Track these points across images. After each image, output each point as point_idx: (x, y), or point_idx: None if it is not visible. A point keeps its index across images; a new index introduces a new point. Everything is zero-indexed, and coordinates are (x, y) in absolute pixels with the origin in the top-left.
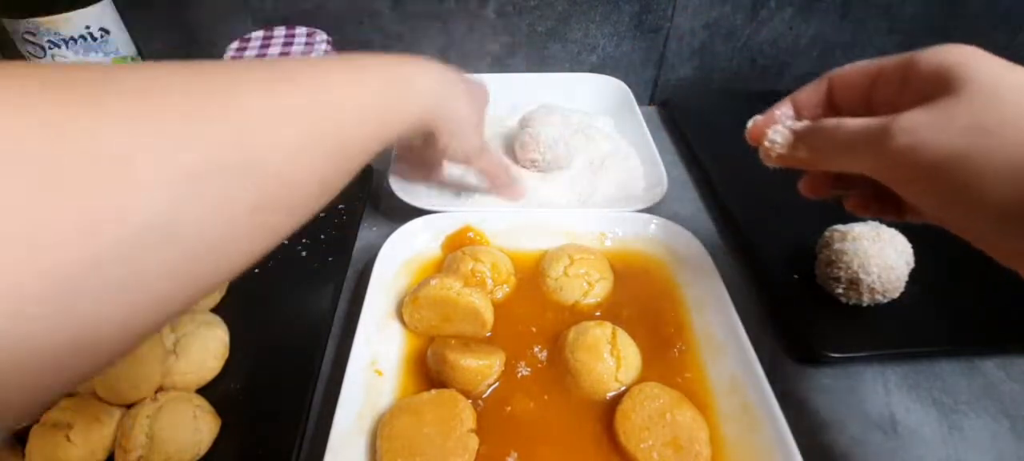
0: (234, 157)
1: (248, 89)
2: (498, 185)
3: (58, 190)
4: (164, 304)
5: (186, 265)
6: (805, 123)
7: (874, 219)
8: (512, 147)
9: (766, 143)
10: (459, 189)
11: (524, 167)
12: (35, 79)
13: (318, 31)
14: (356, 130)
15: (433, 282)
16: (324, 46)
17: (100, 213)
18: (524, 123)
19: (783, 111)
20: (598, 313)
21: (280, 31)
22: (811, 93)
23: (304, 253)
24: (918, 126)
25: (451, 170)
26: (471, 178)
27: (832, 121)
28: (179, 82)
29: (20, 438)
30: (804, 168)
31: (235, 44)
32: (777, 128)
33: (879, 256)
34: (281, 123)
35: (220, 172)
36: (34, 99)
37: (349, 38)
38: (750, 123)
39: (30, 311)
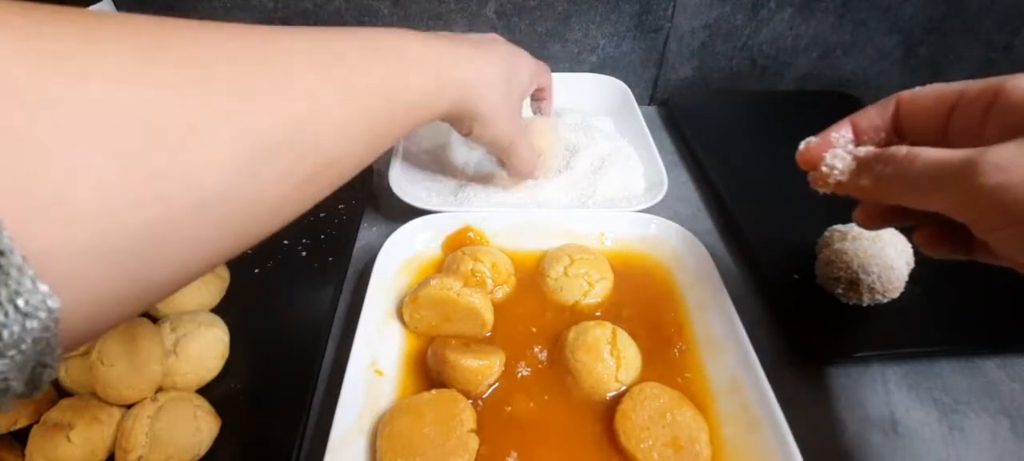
0: (291, 136)
1: (306, 69)
2: (516, 176)
3: (137, 150)
4: (212, 259)
5: (238, 226)
6: (870, 149)
7: (946, 257)
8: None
9: (823, 168)
10: (465, 180)
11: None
12: (130, 41)
13: None
14: (399, 114)
15: (433, 282)
16: None
17: (171, 175)
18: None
19: (841, 134)
20: (598, 313)
21: None
22: (874, 115)
23: (304, 253)
24: (1012, 162)
25: (467, 155)
26: (487, 165)
27: (904, 149)
28: (247, 53)
29: (20, 438)
30: (865, 198)
31: None
32: (837, 152)
33: (879, 256)
34: (334, 105)
35: (277, 150)
36: (134, 64)
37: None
38: (802, 145)
39: (102, 258)
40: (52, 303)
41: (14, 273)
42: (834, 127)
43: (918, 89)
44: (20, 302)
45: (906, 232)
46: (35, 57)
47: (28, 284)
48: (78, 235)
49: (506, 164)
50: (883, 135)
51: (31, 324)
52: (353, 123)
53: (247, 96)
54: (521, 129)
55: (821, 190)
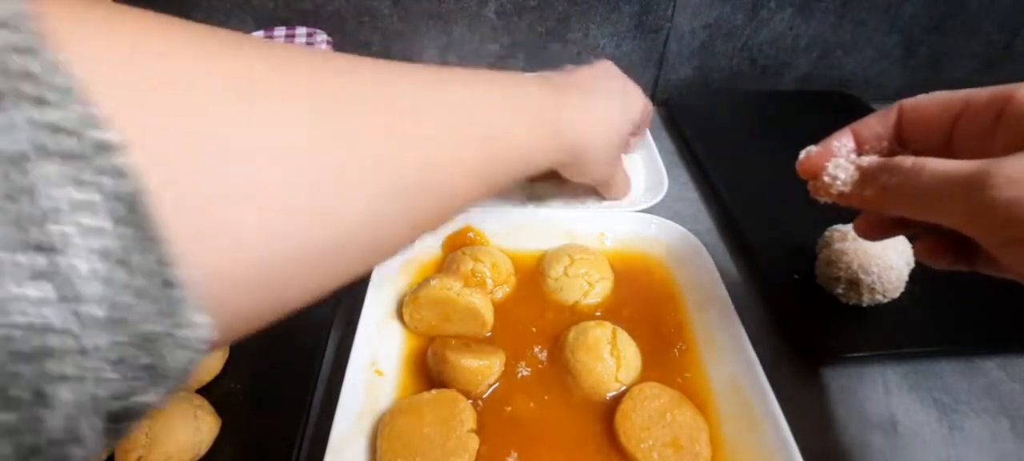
0: (422, 177)
1: (437, 112)
2: (614, 196)
3: (300, 189)
4: (332, 285)
5: (364, 261)
6: (873, 159)
7: (949, 269)
8: None
9: (825, 178)
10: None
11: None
12: (298, 71)
13: (318, 31)
14: (514, 161)
15: (433, 282)
16: (324, 46)
17: (325, 213)
18: None
19: (842, 143)
20: (598, 313)
21: (280, 31)
22: (876, 124)
23: None
24: None
25: None
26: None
27: (910, 160)
28: (392, 93)
29: None
30: (867, 209)
31: None
32: (839, 162)
33: (879, 256)
34: (460, 148)
35: (409, 190)
36: (300, 94)
37: (349, 38)
38: (803, 154)
39: (252, 287)
40: (205, 333)
41: (180, 307)
42: (835, 135)
43: (921, 97)
44: (182, 333)
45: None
46: (229, 80)
47: (191, 316)
48: (237, 265)
49: (601, 192)
50: (885, 144)
51: (186, 355)
52: (473, 167)
53: (392, 137)
54: (620, 163)
55: (822, 200)
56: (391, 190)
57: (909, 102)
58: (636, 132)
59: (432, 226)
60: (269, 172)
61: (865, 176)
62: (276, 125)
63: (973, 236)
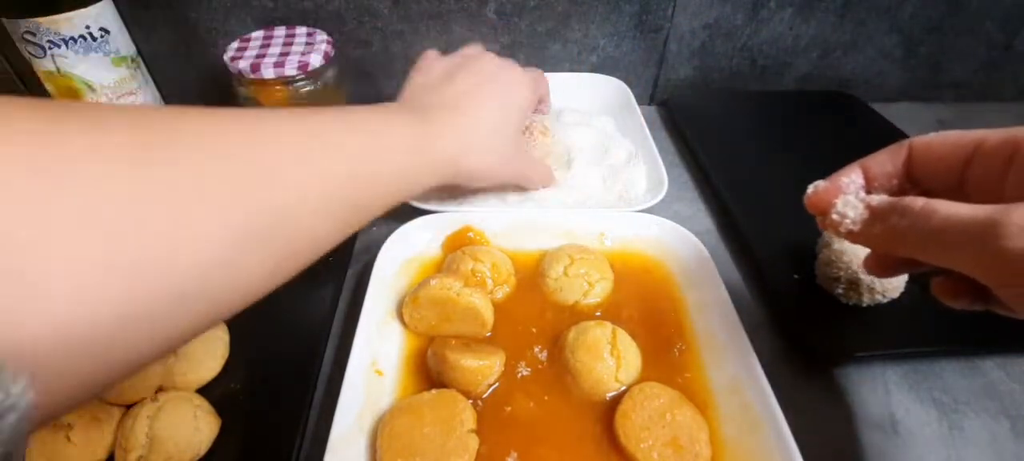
0: (273, 223)
1: (289, 157)
2: (533, 186)
3: (122, 249)
4: (186, 338)
5: (216, 311)
6: (883, 198)
7: (966, 309)
8: None
9: (833, 216)
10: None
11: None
12: (119, 131)
13: (318, 31)
14: (379, 192)
15: (433, 282)
16: (324, 46)
17: (156, 267)
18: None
19: (851, 179)
20: (598, 313)
21: (280, 31)
22: (886, 160)
23: None
24: None
25: None
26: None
27: (920, 202)
28: (231, 146)
29: None
30: (877, 249)
31: (235, 44)
32: (848, 199)
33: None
34: (315, 190)
35: (259, 238)
36: (126, 166)
37: (349, 38)
38: (810, 189)
39: (80, 351)
40: (27, 399)
41: None
42: (844, 171)
43: (933, 136)
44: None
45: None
46: (35, 159)
47: (6, 381)
48: (57, 328)
49: (522, 188)
50: (895, 182)
51: (7, 420)
52: (333, 206)
53: (231, 190)
54: (524, 157)
55: (829, 233)
56: (236, 240)
57: (920, 141)
58: (541, 109)
59: (299, 265)
60: (82, 238)
61: (874, 215)
62: (90, 199)
63: (984, 283)
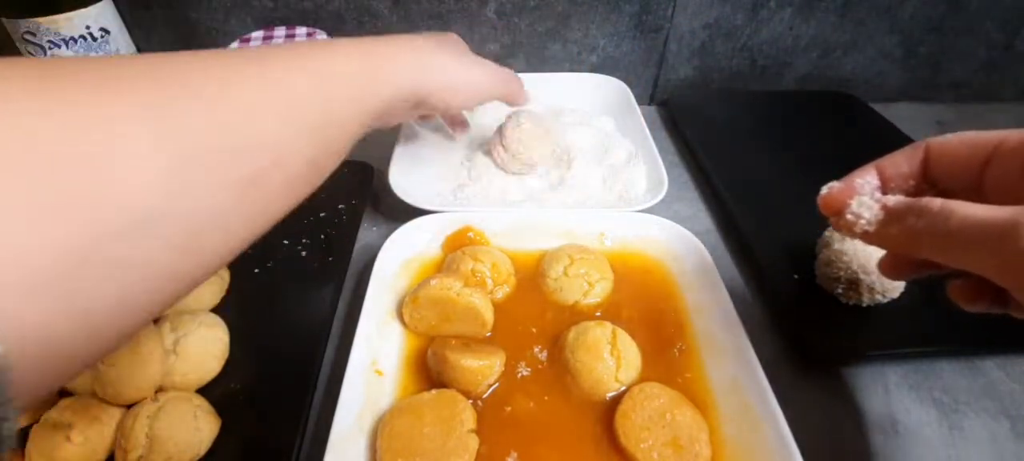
0: (218, 140)
1: (226, 76)
2: (510, 97)
3: (49, 181)
4: (162, 285)
5: (181, 243)
6: (899, 199)
7: (984, 312)
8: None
9: (848, 216)
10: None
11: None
12: (27, 75)
13: (318, 31)
14: (338, 107)
15: (433, 282)
16: None
17: (90, 200)
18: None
19: (866, 180)
20: (598, 313)
21: (280, 31)
22: (902, 161)
23: (304, 253)
24: None
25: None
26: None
27: (938, 202)
28: (160, 71)
29: (20, 438)
30: (893, 251)
31: (235, 44)
32: (863, 200)
33: (879, 256)
34: (262, 104)
35: (206, 155)
36: (27, 93)
37: (349, 37)
38: (825, 190)
39: (33, 292)
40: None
41: None
42: (858, 172)
43: (950, 136)
44: None
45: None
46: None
47: None
48: (3, 272)
49: (505, 99)
50: (912, 183)
51: None
52: (287, 119)
53: (164, 109)
54: (490, 67)
55: (843, 234)
56: (177, 161)
57: (937, 141)
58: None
59: (268, 193)
60: (6, 177)
61: (891, 216)
62: (6, 133)
63: (1003, 286)
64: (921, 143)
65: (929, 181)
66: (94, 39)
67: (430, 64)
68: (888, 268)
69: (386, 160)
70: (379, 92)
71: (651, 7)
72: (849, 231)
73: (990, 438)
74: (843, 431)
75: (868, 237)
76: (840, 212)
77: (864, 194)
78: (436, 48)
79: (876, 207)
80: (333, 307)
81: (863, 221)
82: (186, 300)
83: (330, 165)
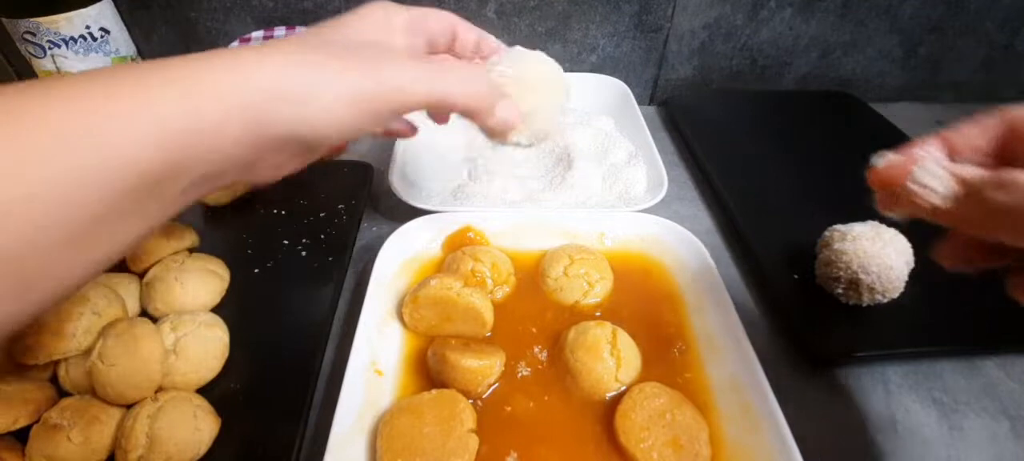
0: (16, 190)
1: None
2: (482, 118)
3: None
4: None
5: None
6: (977, 170)
7: None
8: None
9: (913, 186)
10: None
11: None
12: None
13: None
14: (133, 163)
15: (433, 282)
16: None
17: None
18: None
19: (928, 152)
20: (598, 313)
21: (280, 31)
22: (974, 133)
23: (304, 253)
24: None
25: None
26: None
27: None
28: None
29: (20, 437)
30: (961, 230)
31: (235, 44)
32: (931, 169)
33: (879, 256)
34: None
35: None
36: None
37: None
38: (881, 161)
39: None
40: None
41: None
42: (918, 142)
43: None
44: None
45: (907, 234)
46: None
47: None
48: None
49: (475, 121)
50: (987, 159)
51: None
52: (74, 176)
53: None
54: (438, 65)
55: (894, 214)
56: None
57: (1020, 113)
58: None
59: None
60: None
61: (969, 190)
62: None
63: None
64: (1001, 112)
65: (1006, 159)
66: (94, 39)
67: (294, 67)
68: (951, 255)
69: (386, 160)
70: (201, 146)
71: (651, 7)
72: (909, 208)
73: (990, 438)
74: (843, 431)
75: (938, 214)
76: (897, 185)
77: (927, 165)
78: (292, 41)
79: (947, 177)
80: (333, 307)
81: (935, 194)
82: (185, 300)
83: (154, 219)
